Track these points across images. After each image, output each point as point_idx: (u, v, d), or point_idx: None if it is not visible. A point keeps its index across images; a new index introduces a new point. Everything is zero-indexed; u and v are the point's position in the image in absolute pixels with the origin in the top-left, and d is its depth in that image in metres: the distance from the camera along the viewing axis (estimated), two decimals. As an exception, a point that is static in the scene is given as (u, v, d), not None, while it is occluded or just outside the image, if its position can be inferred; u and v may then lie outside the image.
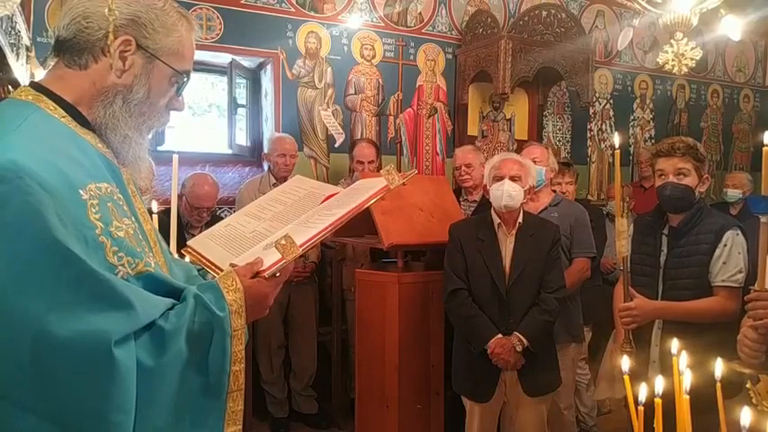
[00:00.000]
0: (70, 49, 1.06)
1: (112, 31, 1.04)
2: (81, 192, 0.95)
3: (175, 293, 1.06)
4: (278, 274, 1.13)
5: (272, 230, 1.25)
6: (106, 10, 1.03)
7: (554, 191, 3.28)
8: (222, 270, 1.18)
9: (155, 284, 1.02)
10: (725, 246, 2.20)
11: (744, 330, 1.63)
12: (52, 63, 1.10)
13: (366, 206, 1.26)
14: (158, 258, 1.13)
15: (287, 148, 3.75)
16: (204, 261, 1.28)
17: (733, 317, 2.15)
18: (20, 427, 0.88)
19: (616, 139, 2.18)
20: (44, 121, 1.01)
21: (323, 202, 1.33)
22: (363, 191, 1.30)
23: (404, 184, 1.32)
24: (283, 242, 1.12)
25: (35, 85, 1.08)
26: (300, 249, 1.13)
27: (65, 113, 1.04)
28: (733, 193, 4.71)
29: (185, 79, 1.16)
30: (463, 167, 3.55)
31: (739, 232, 2.23)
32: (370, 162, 3.81)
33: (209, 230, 1.42)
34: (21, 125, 0.97)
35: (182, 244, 1.45)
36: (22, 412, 0.88)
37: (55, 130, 1.01)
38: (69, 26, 1.06)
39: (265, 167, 4.10)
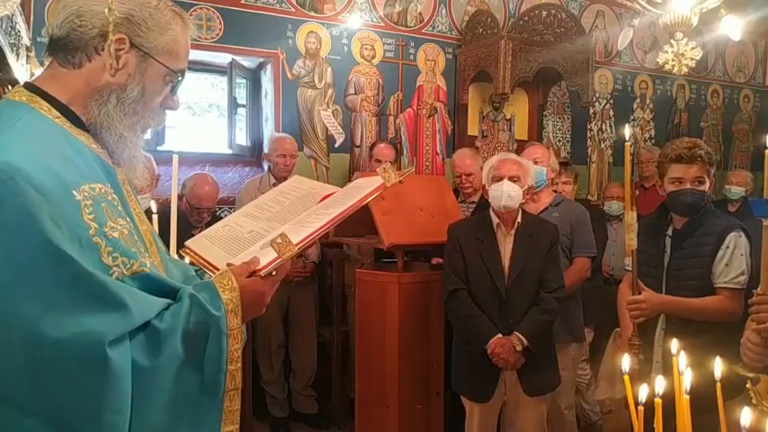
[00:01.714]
0: (64, 48, 1.06)
1: (112, 30, 1.04)
2: (75, 193, 0.95)
3: (172, 293, 1.05)
4: (274, 273, 1.13)
5: (270, 230, 1.25)
6: (106, 9, 1.03)
7: (555, 191, 3.28)
8: (220, 270, 1.18)
9: (151, 284, 1.02)
10: (727, 247, 2.20)
11: (747, 334, 1.63)
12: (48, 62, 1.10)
13: (363, 204, 1.26)
14: (154, 258, 1.13)
15: (287, 149, 3.76)
16: (202, 261, 1.28)
17: (735, 318, 2.15)
18: (18, 429, 0.88)
19: (627, 132, 2.18)
20: (38, 122, 1.00)
21: (320, 201, 1.33)
22: (360, 189, 1.30)
23: (401, 181, 1.32)
24: (279, 241, 1.12)
25: (29, 86, 1.07)
26: (296, 248, 1.13)
27: (59, 114, 1.04)
28: (736, 191, 4.72)
29: (180, 78, 1.15)
30: (463, 176, 3.56)
31: (742, 234, 2.23)
32: (391, 166, 3.83)
33: (207, 230, 1.42)
34: (14, 126, 0.96)
35: (182, 244, 1.45)
36: (20, 414, 0.88)
37: (49, 131, 1.00)
38: (63, 25, 1.05)
39: (265, 167, 4.10)
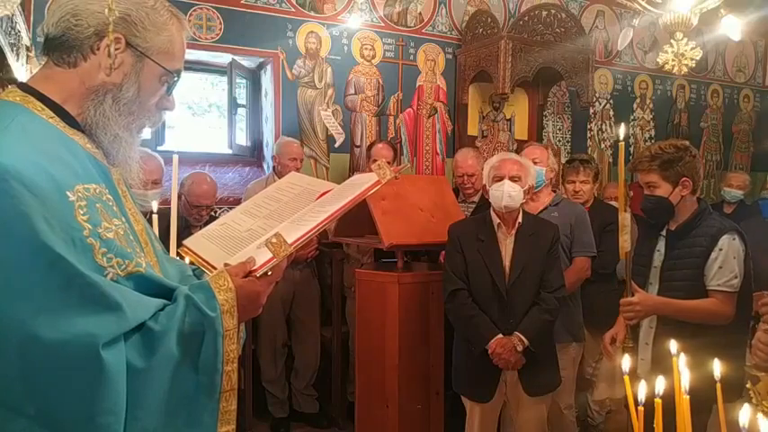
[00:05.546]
0: (59, 48, 1.06)
1: (111, 30, 1.04)
2: (68, 193, 0.94)
3: (168, 293, 1.05)
4: (269, 273, 1.13)
5: (267, 229, 1.24)
6: (105, 9, 1.03)
7: (554, 191, 3.28)
8: (218, 269, 1.17)
9: (146, 285, 1.02)
10: (720, 250, 2.19)
11: (758, 335, 1.65)
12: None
13: (359, 201, 1.26)
14: (150, 258, 1.12)
15: (297, 153, 3.81)
16: (200, 261, 1.27)
17: (728, 321, 2.16)
18: (11, 430, 0.88)
19: (621, 131, 2.17)
20: (32, 123, 1.00)
21: (317, 198, 1.33)
22: (356, 186, 1.30)
23: (396, 177, 1.32)
24: (274, 240, 1.11)
25: (22, 86, 1.07)
26: (291, 247, 1.13)
27: (52, 114, 1.04)
28: (735, 193, 4.72)
29: (176, 78, 1.15)
30: (465, 177, 3.56)
31: (736, 237, 2.21)
32: (386, 163, 3.84)
33: (204, 229, 1.41)
34: (8, 126, 0.96)
35: (181, 244, 1.44)
36: (14, 415, 0.88)
37: (43, 132, 1.00)
38: (58, 24, 1.05)
39: (266, 168, 4.09)
